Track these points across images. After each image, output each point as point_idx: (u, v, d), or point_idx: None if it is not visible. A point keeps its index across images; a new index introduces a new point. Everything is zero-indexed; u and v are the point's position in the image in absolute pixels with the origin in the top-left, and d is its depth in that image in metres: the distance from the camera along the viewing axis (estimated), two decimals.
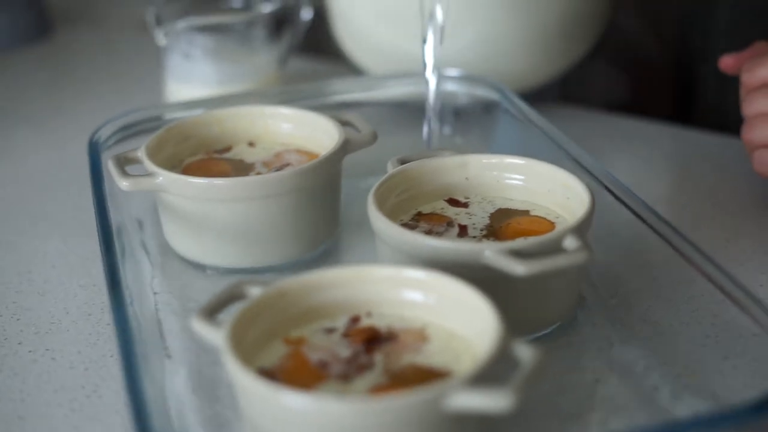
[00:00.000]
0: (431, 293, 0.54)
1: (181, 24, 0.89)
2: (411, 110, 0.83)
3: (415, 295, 0.55)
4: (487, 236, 0.63)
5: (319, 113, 0.73)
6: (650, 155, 0.86)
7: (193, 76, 0.90)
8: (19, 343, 0.65)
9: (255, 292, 0.54)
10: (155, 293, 0.66)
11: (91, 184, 0.69)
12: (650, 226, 0.61)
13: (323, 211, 0.69)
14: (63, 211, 0.79)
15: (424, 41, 0.75)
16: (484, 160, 0.67)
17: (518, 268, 0.55)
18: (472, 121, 0.83)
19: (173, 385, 0.57)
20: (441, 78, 0.80)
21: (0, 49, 1.19)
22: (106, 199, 0.67)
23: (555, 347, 0.59)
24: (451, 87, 0.82)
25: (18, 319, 0.67)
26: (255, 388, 0.47)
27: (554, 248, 0.57)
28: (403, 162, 0.68)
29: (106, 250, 0.61)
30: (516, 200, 0.67)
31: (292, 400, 0.46)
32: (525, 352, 0.48)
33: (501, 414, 0.45)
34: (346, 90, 0.85)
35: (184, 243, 0.69)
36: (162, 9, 0.90)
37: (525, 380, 0.46)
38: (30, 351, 0.64)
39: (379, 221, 0.60)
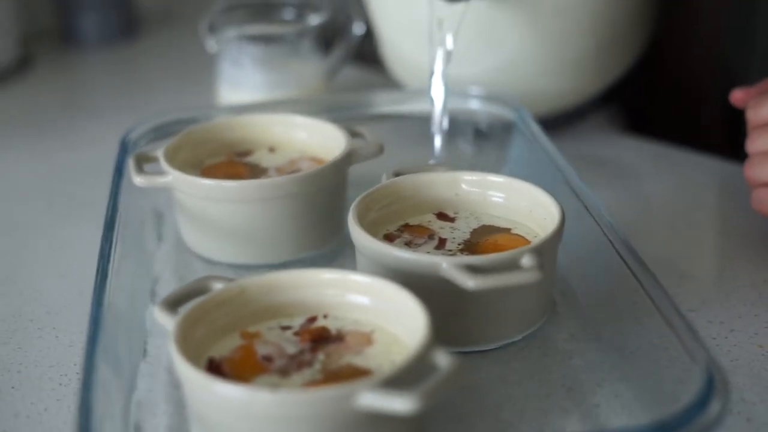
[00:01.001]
0: (382, 300, 0.57)
1: (232, 33, 0.94)
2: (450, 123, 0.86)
3: (367, 301, 0.58)
4: (462, 250, 0.65)
5: (333, 123, 0.77)
6: (679, 182, 0.88)
7: (241, 82, 0.95)
8: (31, 320, 0.70)
9: (218, 287, 0.58)
10: (156, 283, 0.70)
11: (112, 177, 0.74)
12: (622, 259, 0.62)
13: (324, 216, 0.72)
14: (103, 201, 0.84)
15: (432, 68, 0.78)
16: (474, 178, 0.70)
17: (469, 282, 0.58)
18: (492, 140, 0.85)
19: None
20: (459, 96, 0.83)
21: (87, 46, 1.26)
22: (120, 192, 0.72)
23: (510, 358, 0.62)
24: (470, 105, 0.84)
25: (35, 299, 0.73)
26: (188, 373, 0.51)
27: (511, 266, 0.60)
28: (397, 174, 0.71)
29: (105, 239, 0.66)
30: (501, 218, 0.69)
31: (216, 388, 0.50)
32: (443, 361, 0.51)
33: (405, 416, 0.48)
34: (380, 103, 0.88)
35: (192, 237, 0.74)
36: (216, 18, 0.95)
37: (434, 386, 0.49)
38: (38, 328, 0.69)
39: (353, 229, 0.64)
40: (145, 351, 0.63)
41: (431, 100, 0.79)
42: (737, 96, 0.75)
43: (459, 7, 0.77)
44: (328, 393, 0.49)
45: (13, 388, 0.64)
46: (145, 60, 1.27)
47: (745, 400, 0.59)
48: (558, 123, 0.94)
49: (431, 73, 0.79)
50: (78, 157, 0.95)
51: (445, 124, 0.80)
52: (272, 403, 0.49)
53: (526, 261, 0.60)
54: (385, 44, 0.94)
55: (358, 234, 0.63)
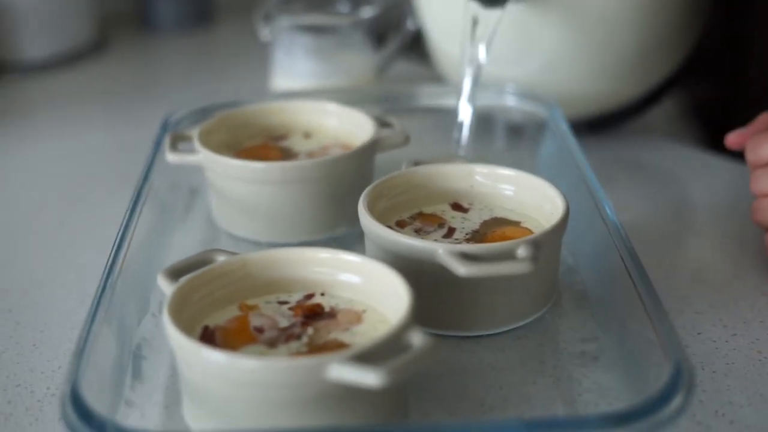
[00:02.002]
0: (373, 280, 0.60)
1: (285, 22, 0.97)
2: (480, 120, 0.88)
3: (361, 281, 0.60)
4: (469, 240, 0.67)
5: (363, 112, 0.79)
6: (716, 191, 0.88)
7: (293, 71, 0.98)
8: (62, 285, 0.74)
9: (221, 260, 0.61)
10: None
11: (149, 153, 0.78)
12: (621, 259, 0.63)
13: (346, 200, 0.74)
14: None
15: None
16: (485, 170, 0.71)
17: (461, 269, 0.60)
18: (525, 137, 0.87)
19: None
20: (495, 93, 0.84)
21: (163, 31, 1.31)
22: (153, 166, 0.76)
23: (504, 345, 0.63)
24: (505, 101, 0.86)
25: (68, 265, 0.76)
26: (173, 336, 0.54)
27: (506, 256, 0.61)
28: (416, 164, 0.73)
29: (130, 209, 0.69)
30: (513, 211, 0.70)
31: (194, 350, 0.53)
32: (417, 340, 0.53)
33: (372, 390, 0.50)
34: (422, 96, 0.90)
35: (219, 214, 0.77)
36: (272, 8, 0.98)
37: (402, 363, 0.51)
38: (68, 292, 0.73)
39: (361, 214, 0.66)
40: (153, 315, 0.66)
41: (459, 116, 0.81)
42: (732, 140, 0.74)
43: (495, 12, 0.79)
44: (300, 363, 0.51)
45: (34, 345, 0.67)
46: (218, 47, 1.31)
47: (733, 402, 0.60)
48: (603, 124, 0.95)
49: (461, 91, 0.80)
50: (137, 135, 0.99)
51: (467, 120, 0.80)
52: (245, 369, 0.51)
53: (521, 252, 0.61)
54: (431, 40, 0.96)
55: (364, 218, 0.66)
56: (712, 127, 1.18)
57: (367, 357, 0.51)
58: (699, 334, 0.66)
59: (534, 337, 0.64)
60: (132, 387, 0.60)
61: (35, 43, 1.19)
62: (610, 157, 0.93)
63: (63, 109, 1.11)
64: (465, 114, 0.81)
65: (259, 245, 0.74)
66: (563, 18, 0.85)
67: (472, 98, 0.81)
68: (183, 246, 0.75)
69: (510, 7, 0.80)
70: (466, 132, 0.80)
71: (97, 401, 0.53)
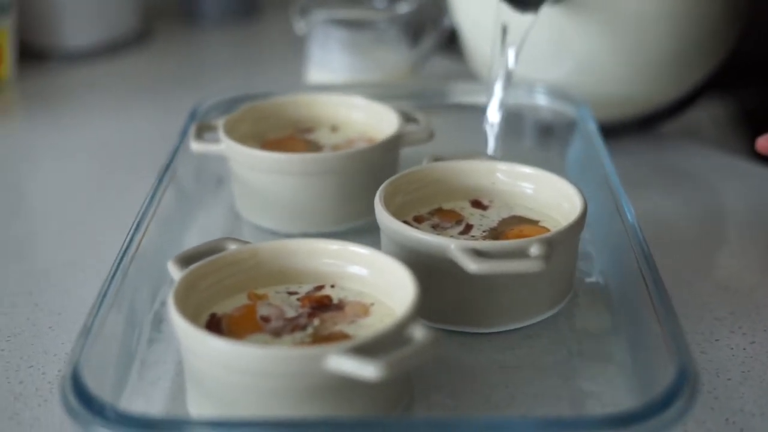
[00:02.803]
0: (382, 274, 0.59)
1: (321, 16, 0.97)
2: (511, 118, 0.87)
3: (370, 274, 0.60)
4: (485, 237, 0.67)
5: (389, 106, 0.79)
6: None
7: (327, 64, 0.98)
8: (83, 270, 0.75)
9: (232, 248, 0.61)
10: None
11: (176, 142, 0.78)
12: (637, 262, 0.63)
13: (366, 193, 0.73)
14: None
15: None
16: (506, 168, 0.71)
17: (471, 265, 0.59)
18: (556, 136, 0.86)
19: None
20: (525, 92, 0.84)
21: (207, 23, 1.32)
22: (177, 154, 0.76)
23: (515, 343, 0.63)
24: (536, 100, 0.85)
25: (91, 248, 0.77)
26: (176, 321, 0.54)
27: (518, 254, 0.61)
28: (436, 160, 0.72)
29: (150, 196, 0.70)
30: (532, 209, 0.70)
31: (195, 336, 0.53)
32: (418, 334, 0.52)
33: (371, 382, 0.50)
34: (454, 93, 0.90)
35: (240, 203, 0.77)
36: (309, 1, 0.98)
37: (400, 357, 0.50)
38: (89, 277, 0.73)
39: (376, 207, 0.66)
40: (163, 302, 0.66)
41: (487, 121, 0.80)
42: (763, 144, 0.73)
43: (527, 17, 0.78)
44: (298, 352, 0.51)
45: (50, 328, 0.68)
46: (261, 40, 1.32)
47: (745, 411, 0.59)
48: (638, 127, 0.94)
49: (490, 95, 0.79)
50: (173, 125, 0.99)
51: (495, 124, 0.80)
52: (243, 357, 0.51)
53: (534, 250, 0.60)
54: (464, 38, 0.95)
55: (378, 212, 0.65)
56: (756, 134, 1.16)
57: (366, 349, 0.51)
58: (717, 340, 0.65)
59: (545, 336, 0.64)
60: (139, 372, 0.60)
61: (80, 31, 1.21)
62: (647, 160, 0.92)
63: (103, 97, 1.12)
64: (494, 118, 0.80)
65: (279, 235, 0.74)
66: (598, 20, 0.84)
67: (501, 104, 0.80)
68: (204, 234, 0.75)
69: (544, 11, 0.79)
70: (493, 137, 0.79)
71: (99, 384, 0.53)
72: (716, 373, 0.62)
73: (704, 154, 0.94)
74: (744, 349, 0.65)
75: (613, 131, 0.92)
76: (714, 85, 0.92)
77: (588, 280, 0.69)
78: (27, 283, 0.73)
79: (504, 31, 0.78)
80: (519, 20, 0.78)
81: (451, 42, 1.03)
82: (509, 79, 0.79)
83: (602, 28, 0.84)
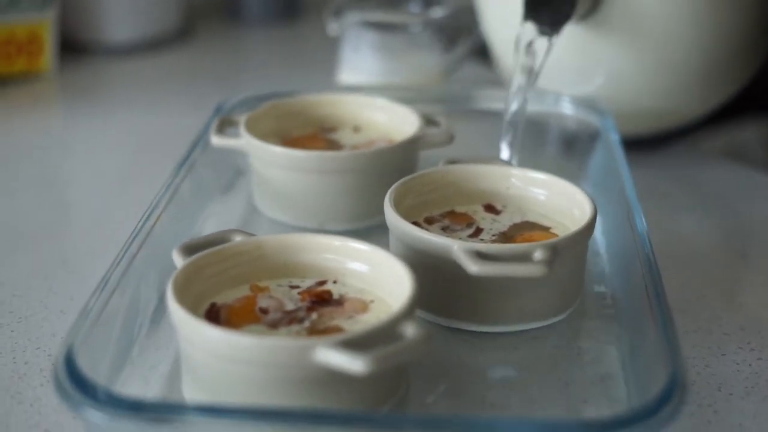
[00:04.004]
0: (383, 271, 0.60)
1: (354, 18, 0.97)
2: (536, 126, 0.87)
3: (371, 271, 0.60)
4: (495, 241, 0.67)
5: (410, 108, 0.79)
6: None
7: (358, 66, 0.99)
8: (101, 257, 0.75)
9: (237, 240, 0.62)
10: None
11: (198, 135, 0.79)
12: (642, 272, 0.62)
13: (382, 193, 0.74)
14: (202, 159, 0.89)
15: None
16: (522, 174, 0.71)
17: (472, 267, 0.59)
18: (579, 145, 0.86)
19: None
20: (550, 100, 0.83)
21: (249, 22, 1.34)
22: (197, 148, 0.77)
23: (519, 345, 0.63)
24: (560, 109, 0.85)
25: (114, 241, 0.78)
26: (172, 308, 0.55)
27: (522, 258, 0.60)
28: (451, 162, 0.73)
29: (167, 185, 0.71)
30: (545, 216, 0.70)
31: (188, 323, 0.53)
32: (409, 331, 0.53)
33: (357, 376, 0.50)
34: (481, 99, 0.90)
35: (258, 197, 0.78)
36: (343, 3, 0.99)
37: (387, 353, 0.50)
38: (107, 265, 0.74)
39: (386, 207, 0.66)
40: None
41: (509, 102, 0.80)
42: None
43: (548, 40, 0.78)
44: (287, 343, 0.51)
45: (61, 312, 0.69)
46: (301, 41, 1.33)
47: (743, 426, 0.58)
48: (665, 141, 0.94)
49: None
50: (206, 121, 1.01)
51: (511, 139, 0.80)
52: (233, 345, 0.52)
53: (538, 255, 0.60)
54: (493, 49, 0.96)
55: (387, 211, 0.66)
56: None
57: (356, 343, 0.51)
58: (723, 355, 0.65)
59: (549, 340, 0.63)
60: (139, 357, 0.61)
61: (122, 26, 1.22)
62: (680, 176, 0.92)
63: (141, 92, 1.14)
64: (509, 134, 0.80)
65: (293, 230, 0.75)
66: (624, 36, 0.83)
67: (517, 119, 0.80)
68: (219, 226, 0.75)
69: (569, 27, 0.79)
70: (507, 143, 0.79)
71: (94, 367, 0.54)
72: (719, 388, 0.61)
73: (733, 171, 0.93)
74: (750, 365, 0.64)
75: (638, 146, 0.92)
76: (761, 105, 0.91)
77: (597, 287, 0.69)
78: (44, 269, 0.74)
79: (527, 49, 0.78)
80: (542, 41, 0.78)
81: (485, 49, 1.03)
82: (527, 94, 0.79)
83: (629, 44, 0.84)
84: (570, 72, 0.87)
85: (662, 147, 0.95)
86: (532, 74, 0.78)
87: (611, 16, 0.83)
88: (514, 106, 0.78)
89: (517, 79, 0.78)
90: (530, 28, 0.79)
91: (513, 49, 0.79)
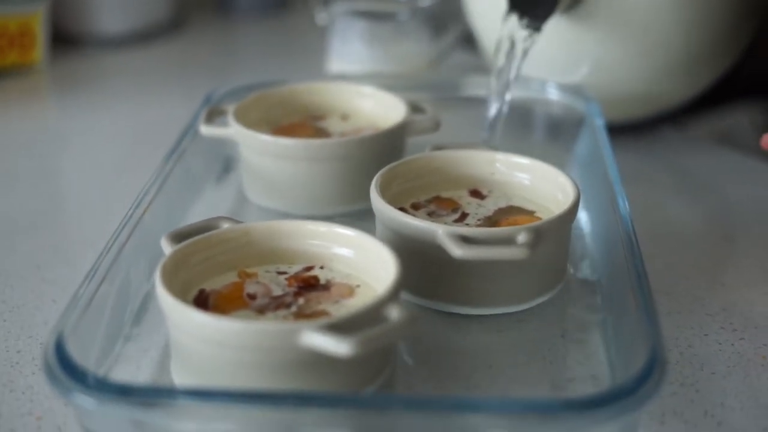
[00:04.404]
0: (368, 256, 0.60)
1: (342, 7, 0.98)
2: (523, 112, 0.88)
3: (356, 256, 0.61)
4: (480, 226, 0.67)
5: (399, 97, 0.80)
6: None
7: (347, 55, 1.00)
8: (92, 246, 0.76)
9: (225, 227, 0.63)
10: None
11: (187, 125, 0.80)
12: (625, 254, 0.63)
13: (368, 178, 0.74)
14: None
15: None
16: (506, 159, 0.72)
17: (456, 251, 0.60)
18: (564, 131, 0.87)
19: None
20: (536, 86, 0.84)
21: (240, 15, 1.35)
22: (186, 137, 0.78)
23: (504, 327, 0.64)
24: (546, 95, 0.86)
25: (106, 230, 0.78)
26: (161, 294, 0.56)
27: (506, 241, 0.61)
28: (437, 148, 0.73)
29: (156, 174, 0.71)
30: (530, 200, 0.71)
31: (179, 310, 0.54)
32: (394, 314, 0.53)
33: (342, 358, 0.51)
34: (469, 86, 0.91)
35: (247, 185, 0.79)
36: None
37: (372, 335, 0.51)
38: (99, 244, 0.74)
39: (372, 193, 0.67)
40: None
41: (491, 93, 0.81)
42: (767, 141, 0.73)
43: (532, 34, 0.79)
44: (273, 327, 0.52)
45: (53, 301, 0.70)
46: (291, 32, 1.33)
47: (725, 405, 0.59)
48: (650, 126, 0.95)
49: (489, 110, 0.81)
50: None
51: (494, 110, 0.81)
52: (220, 330, 0.53)
53: (521, 238, 0.61)
54: (478, 36, 0.96)
55: (373, 197, 0.66)
56: None
57: (341, 327, 0.52)
58: (706, 335, 0.66)
59: (534, 321, 0.64)
60: (131, 342, 0.61)
61: (114, 18, 1.23)
62: (663, 159, 0.93)
63: (132, 83, 1.15)
64: (493, 128, 0.81)
65: (282, 216, 0.76)
66: (609, 26, 0.84)
67: (496, 122, 0.81)
68: (209, 214, 0.76)
69: (554, 18, 0.80)
70: (491, 129, 0.80)
71: (84, 353, 0.55)
72: (701, 367, 0.62)
73: (724, 156, 0.94)
74: (732, 344, 0.65)
75: (629, 129, 0.93)
76: (755, 90, 0.92)
77: (581, 268, 0.70)
78: (37, 258, 0.75)
79: (511, 44, 0.79)
80: (524, 36, 0.79)
81: (473, 37, 1.04)
82: (509, 87, 0.79)
83: (612, 33, 0.85)
84: (555, 61, 0.88)
85: (651, 132, 0.96)
86: (514, 67, 0.79)
87: (594, 7, 0.84)
88: (497, 100, 0.79)
89: (501, 73, 0.79)
90: (514, 21, 0.79)
91: (497, 43, 0.80)
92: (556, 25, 0.82)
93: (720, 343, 0.65)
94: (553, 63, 0.87)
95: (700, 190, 0.88)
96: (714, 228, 0.81)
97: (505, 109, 0.80)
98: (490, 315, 0.65)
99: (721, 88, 0.94)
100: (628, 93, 0.88)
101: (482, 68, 1.04)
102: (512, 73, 0.79)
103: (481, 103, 0.89)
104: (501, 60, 0.79)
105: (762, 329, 0.66)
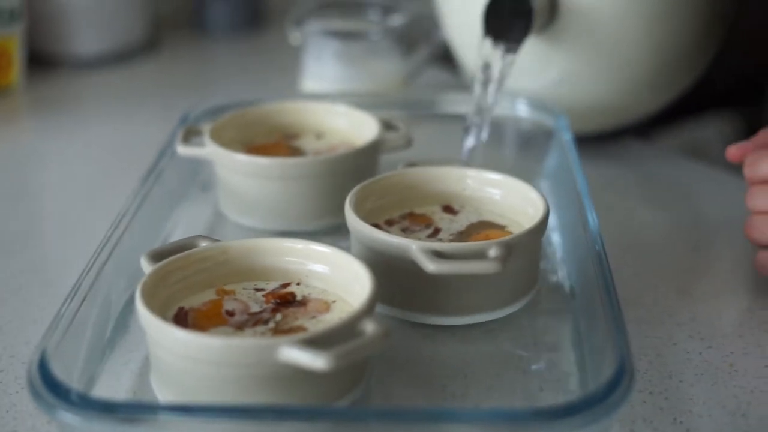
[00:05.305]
0: (343, 272, 0.62)
1: (315, 27, 1.00)
2: (493, 128, 0.90)
3: (332, 272, 0.63)
4: (452, 241, 0.69)
5: (369, 114, 0.82)
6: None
7: (321, 75, 1.01)
8: (75, 266, 0.77)
9: (203, 245, 0.64)
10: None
11: (164, 144, 0.82)
12: (593, 265, 0.65)
13: (344, 196, 0.76)
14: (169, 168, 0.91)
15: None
16: (475, 174, 0.73)
17: (430, 266, 0.62)
18: (534, 146, 0.88)
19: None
20: (506, 102, 0.86)
21: (214, 33, 1.36)
22: (164, 157, 0.80)
23: (477, 338, 0.65)
24: (516, 111, 0.88)
25: (88, 250, 0.79)
26: (141, 312, 0.57)
27: (477, 255, 0.63)
28: (410, 165, 0.75)
29: (135, 194, 0.73)
30: (501, 215, 0.72)
31: (158, 328, 0.56)
32: (369, 328, 0.55)
33: (319, 372, 0.52)
34: (444, 103, 0.93)
35: (224, 203, 0.81)
36: (304, 12, 1.01)
37: (347, 350, 0.53)
38: (79, 265, 0.74)
39: (346, 210, 0.68)
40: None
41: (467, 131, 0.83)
42: (732, 152, 0.74)
43: (508, 57, 0.81)
44: (251, 343, 0.54)
45: (34, 321, 0.71)
46: (265, 51, 1.35)
47: (693, 412, 0.61)
48: (616, 137, 0.97)
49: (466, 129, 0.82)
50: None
51: (485, 135, 0.82)
52: (199, 347, 0.54)
53: (492, 252, 0.63)
54: (455, 51, 0.98)
55: (348, 214, 0.68)
56: None
57: (317, 341, 0.53)
58: (675, 344, 0.67)
59: (506, 331, 0.66)
60: (112, 359, 0.63)
61: (89, 39, 1.24)
62: (634, 170, 0.95)
63: (109, 104, 1.16)
64: (471, 145, 0.82)
65: (259, 232, 0.77)
66: (580, 43, 0.87)
67: (478, 135, 0.82)
68: (187, 232, 0.78)
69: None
70: (467, 148, 0.82)
71: (67, 371, 0.56)
72: (669, 375, 0.64)
73: (694, 168, 0.96)
74: (700, 353, 0.66)
75: (600, 140, 0.95)
76: (723, 103, 0.94)
77: (552, 281, 0.72)
78: (17, 279, 0.76)
79: (485, 67, 0.81)
80: (500, 59, 0.81)
81: (445, 54, 1.06)
82: (489, 112, 0.81)
83: (583, 49, 0.87)
84: (527, 74, 0.89)
85: (621, 144, 0.98)
86: (493, 89, 0.81)
87: (566, 27, 0.86)
88: (476, 128, 0.81)
89: (480, 95, 0.81)
90: (489, 45, 0.81)
91: (474, 65, 0.82)
92: (528, 42, 0.84)
93: (688, 352, 0.67)
94: (524, 75, 0.89)
95: (669, 201, 0.90)
96: (682, 238, 0.83)
97: (484, 136, 0.82)
98: (464, 325, 0.66)
99: (690, 100, 0.97)
100: (597, 105, 0.90)
101: (454, 85, 1.06)
102: (490, 99, 0.81)
103: (454, 119, 0.91)
104: (478, 89, 0.81)
105: (729, 338, 0.68)
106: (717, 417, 0.60)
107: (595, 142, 0.96)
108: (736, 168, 0.81)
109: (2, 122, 1.10)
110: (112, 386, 0.60)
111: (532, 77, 0.90)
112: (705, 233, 0.84)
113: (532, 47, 0.86)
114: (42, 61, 1.23)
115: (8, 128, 1.09)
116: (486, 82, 0.81)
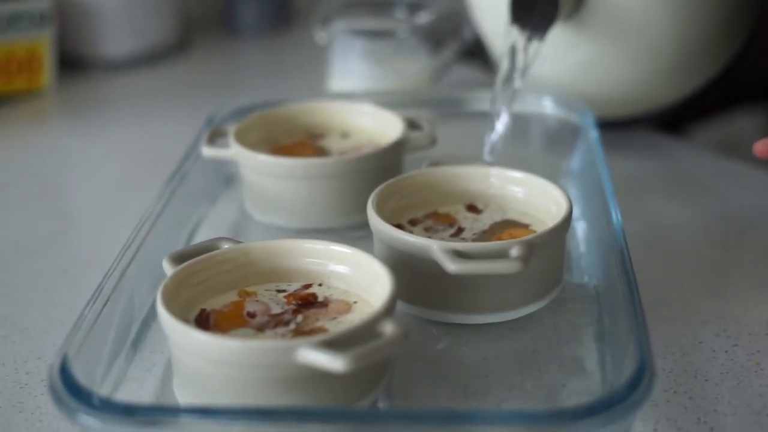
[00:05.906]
0: (364, 273, 0.62)
1: (341, 26, 1.00)
2: (520, 125, 0.90)
3: (353, 273, 0.63)
4: (475, 240, 0.69)
5: (394, 113, 0.82)
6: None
7: (348, 74, 1.01)
8: (100, 268, 0.78)
9: (225, 247, 0.64)
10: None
11: (190, 146, 0.82)
12: (617, 263, 0.65)
13: (367, 194, 0.75)
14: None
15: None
16: (500, 173, 0.73)
17: (451, 266, 0.62)
18: (560, 143, 0.88)
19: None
20: (532, 100, 0.86)
21: (244, 34, 1.37)
22: (190, 157, 0.80)
23: (501, 336, 0.65)
24: (542, 108, 0.87)
25: (113, 251, 0.80)
26: (162, 315, 0.57)
27: (499, 255, 0.63)
28: (434, 165, 0.75)
29: (160, 195, 0.73)
30: (525, 214, 0.72)
31: (180, 330, 0.56)
32: (388, 329, 0.55)
33: (337, 373, 0.52)
34: (472, 101, 0.93)
35: (249, 203, 0.81)
36: (330, 11, 1.01)
37: (365, 351, 0.53)
38: (106, 266, 0.76)
39: (368, 210, 0.68)
40: None
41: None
42: (759, 148, 0.74)
43: (534, 44, 0.81)
44: (270, 345, 0.54)
45: (61, 323, 0.71)
46: (294, 50, 1.35)
47: (718, 411, 0.60)
48: (640, 124, 0.97)
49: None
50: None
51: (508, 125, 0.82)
52: (221, 349, 0.54)
53: (514, 252, 0.62)
54: (489, 48, 0.98)
55: (370, 214, 0.68)
56: None
57: (336, 343, 0.53)
58: (701, 343, 0.67)
59: (529, 330, 0.66)
60: (134, 361, 0.63)
61: (120, 41, 1.25)
62: (662, 166, 0.95)
63: (140, 105, 1.16)
64: (495, 135, 0.82)
65: (286, 231, 0.77)
66: (606, 31, 0.86)
67: (504, 121, 0.82)
68: (212, 234, 0.78)
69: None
70: (490, 144, 0.81)
71: (90, 374, 0.56)
72: (695, 374, 0.63)
73: (726, 164, 0.95)
74: (726, 351, 0.66)
75: (623, 134, 0.94)
76: (756, 96, 0.93)
77: (576, 279, 0.71)
78: (45, 281, 0.77)
79: (512, 52, 0.81)
80: (526, 45, 0.81)
81: (473, 52, 1.06)
82: (514, 98, 0.81)
83: (609, 38, 0.86)
84: (552, 63, 0.89)
85: (649, 138, 0.97)
86: (519, 77, 0.81)
87: (593, 15, 0.85)
88: (500, 109, 0.81)
89: (504, 83, 0.81)
90: (516, 32, 0.81)
91: (501, 52, 0.82)
92: (554, 31, 0.83)
93: (714, 350, 0.66)
94: (548, 64, 0.88)
95: (698, 197, 0.89)
96: (710, 235, 0.82)
97: (508, 126, 0.81)
98: (485, 324, 0.66)
99: (721, 93, 0.96)
100: (622, 92, 0.90)
101: (481, 83, 1.05)
102: (516, 84, 0.80)
103: (481, 117, 0.90)
104: (503, 77, 0.80)
105: (756, 336, 0.67)
106: (742, 416, 0.60)
107: (624, 137, 0.95)
108: (766, 164, 0.81)
109: (33, 124, 1.11)
110: (134, 388, 0.61)
111: (557, 69, 0.89)
112: (733, 230, 0.83)
113: (554, 36, 0.85)
114: (73, 63, 1.24)
115: (39, 130, 1.10)
116: (511, 70, 0.81)
